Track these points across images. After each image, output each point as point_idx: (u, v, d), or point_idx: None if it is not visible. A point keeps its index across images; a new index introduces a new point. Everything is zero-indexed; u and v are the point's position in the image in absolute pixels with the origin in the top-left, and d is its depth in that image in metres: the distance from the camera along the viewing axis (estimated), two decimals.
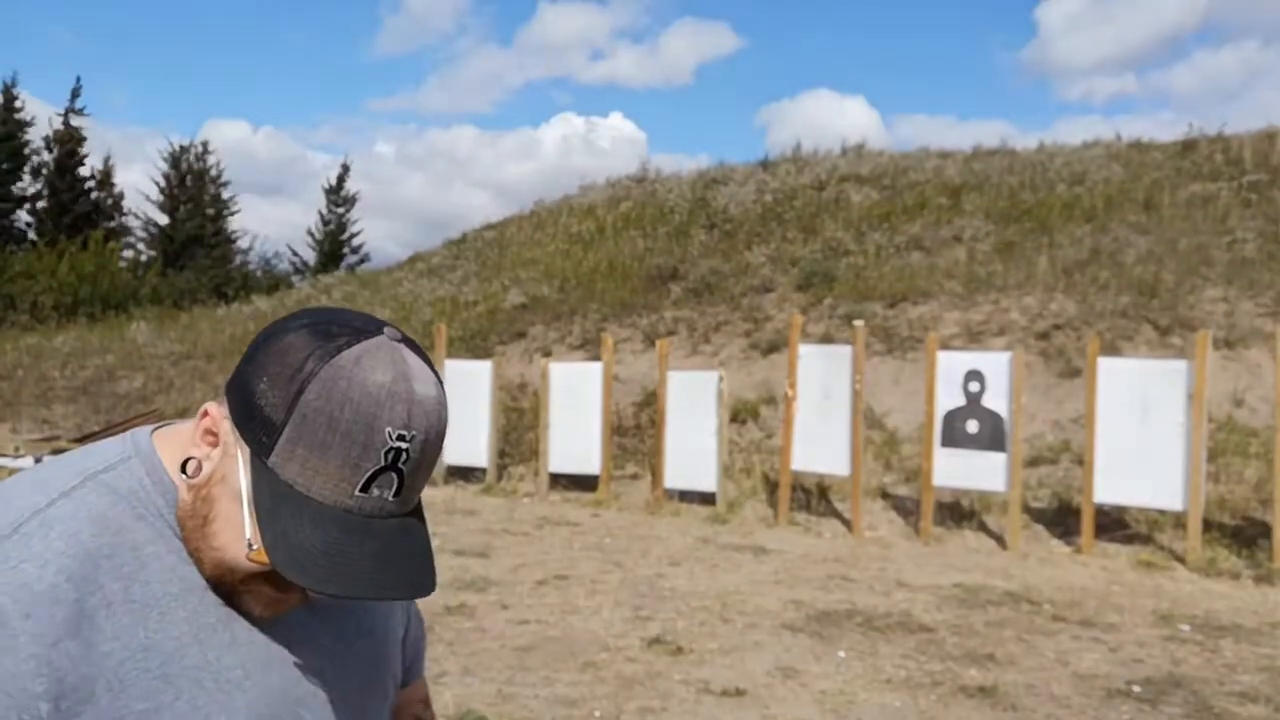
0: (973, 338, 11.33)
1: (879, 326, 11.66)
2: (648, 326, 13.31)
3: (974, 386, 8.36)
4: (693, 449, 9.52)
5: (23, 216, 33.17)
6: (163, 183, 35.02)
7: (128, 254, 34.14)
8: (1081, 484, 8.18)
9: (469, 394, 10.39)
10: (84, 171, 34.13)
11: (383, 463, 0.81)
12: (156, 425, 0.96)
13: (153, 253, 34.50)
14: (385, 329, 0.85)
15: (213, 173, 36.07)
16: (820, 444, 8.88)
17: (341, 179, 37.57)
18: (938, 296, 12.32)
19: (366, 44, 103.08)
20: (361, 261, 34.91)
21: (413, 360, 0.84)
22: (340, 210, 37.23)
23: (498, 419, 10.88)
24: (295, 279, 32.53)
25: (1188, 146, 16.07)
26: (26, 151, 32.55)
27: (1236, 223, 12.88)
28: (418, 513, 0.87)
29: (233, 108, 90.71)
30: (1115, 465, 7.76)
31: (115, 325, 21.56)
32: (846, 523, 8.83)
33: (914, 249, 14.20)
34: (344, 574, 0.80)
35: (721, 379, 9.63)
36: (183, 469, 0.88)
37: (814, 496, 9.43)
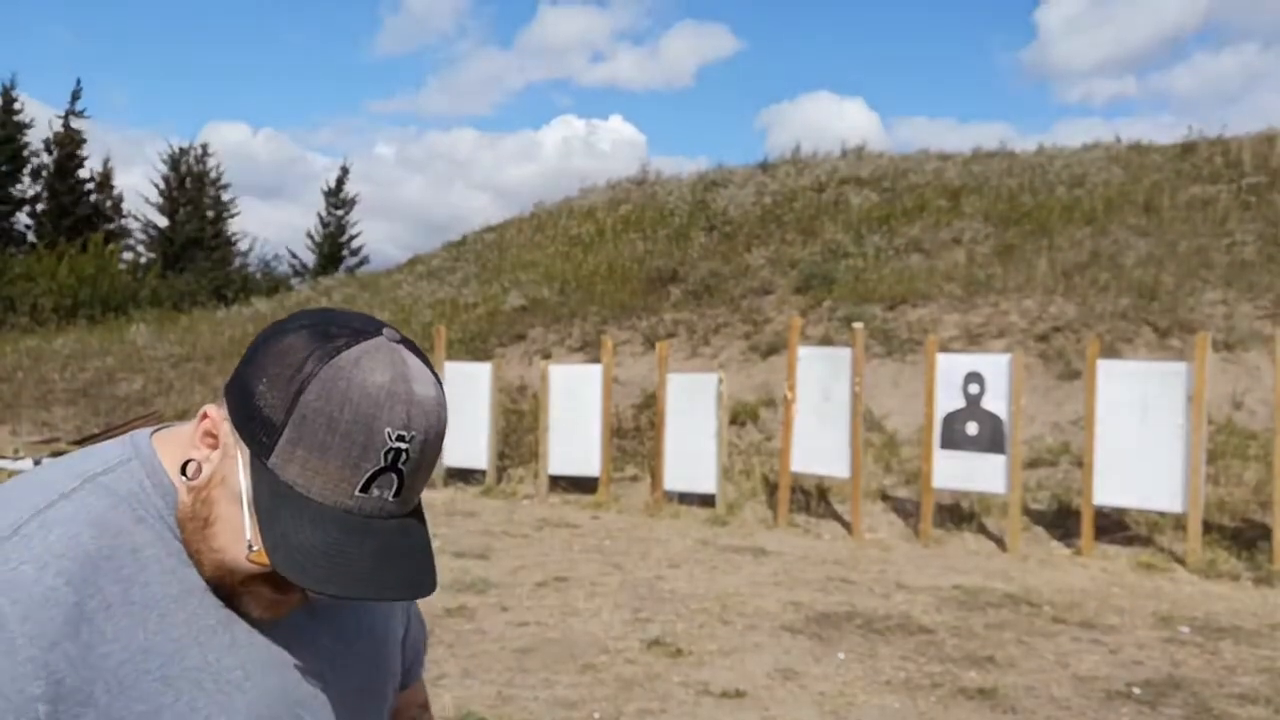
0: (972, 340, 11.33)
1: (878, 329, 11.66)
2: (647, 329, 13.31)
3: (973, 388, 8.36)
4: (692, 451, 9.52)
5: (22, 219, 33.20)
6: (162, 185, 35.07)
7: (127, 256, 34.21)
8: (1081, 486, 8.18)
9: (469, 396, 10.39)
10: (84, 174, 34.18)
11: (382, 463, 0.81)
12: (156, 427, 0.96)
13: (152, 255, 34.53)
14: (384, 330, 0.86)
15: (212, 175, 36.12)
16: (820, 446, 8.88)
17: (341, 181, 37.64)
18: (937, 299, 12.32)
19: (366, 45, 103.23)
20: (361, 264, 34.97)
21: (412, 361, 0.84)
22: (339, 212, 37.27)
23: (497, 421, 10.88)
24: (295, 281, 32.55)
25: (1187, 149, 16.08)
26: (26, 153, 32.56)
27: (1236, 225, 12.88)
28: (418, 513, 0.88)
29: (232, 110, 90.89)
30: (1115, 467, 7.76)
31: (115, 327, 21.56)
32: (846, 525, 8.83)
33: (913, 251, 14.21)
34: (344, 574, 0.81)
35: (721, 381, 9.63)
36: (183, 471, 0.88)
37: (814, 498, 9.43)
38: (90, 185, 34.53)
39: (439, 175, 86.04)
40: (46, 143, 33.05)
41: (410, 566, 0.84)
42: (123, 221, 35.53)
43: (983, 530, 8.55)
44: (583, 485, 10.25)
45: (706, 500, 9.51)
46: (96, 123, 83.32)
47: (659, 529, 8.86)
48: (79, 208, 33.36)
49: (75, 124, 33.69)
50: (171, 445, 0.92)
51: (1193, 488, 7.47)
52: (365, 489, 0.81)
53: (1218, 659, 5.35)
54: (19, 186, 32.76)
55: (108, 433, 12.64)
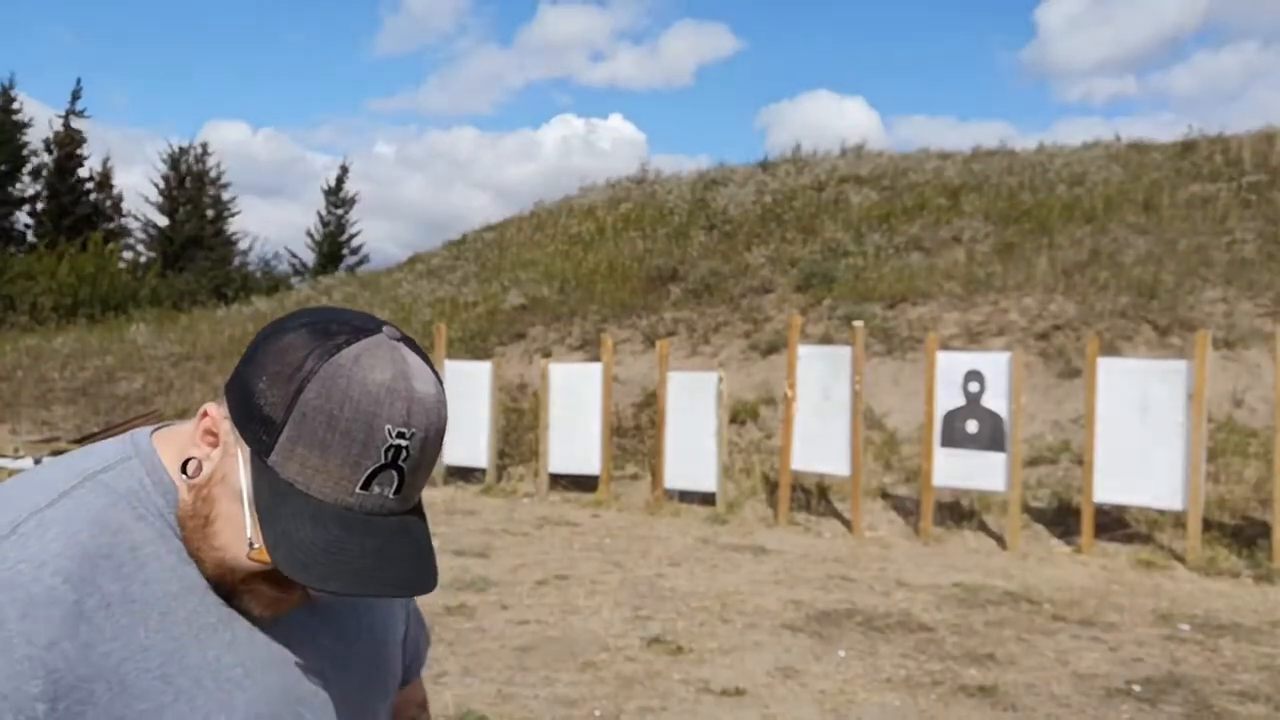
0: (972, 338, 11.33)
1: (878, 327, 11.66)
2: (647, 327, 13.31)
3: (974, 387, 8.36)
4: (692, 449, 9.52)
5: (22, 218, 33.21)
6: (162, 184, 35.07)
7: (127, 255, 34.23)
8: (1081, 484, 8.18)
9: (469, 395, 10.39)
10: (83, 173, 34.18)
11: (383, 460, 0.81)
12: (156, 426, 0.97)
13: (152, 254, 34.52)
14: (384, 328, 0.86)
15: (212, 174, 36.11)
16: (820, 444, 8.88)
17: (340, 180, 37.63)
18: (937, 297, 12.32)
19: (366, 44, 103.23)
20: (361, 262, 34.96)
21: (412, 358, 0.85)
22: (339, 211, 37.26)
23: (497, 420, 10.88)
24: (295, 280, 32.54)
25: (1187, 147, 16.07)
26: (25, 153, 32.55)
27: (1236, 223, 12.88)
28: (418, 510, 0.88)
29: (232, 109, 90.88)
30: (1115, 465, 7.77)
31: (115, 326, 21.57)
32: (846, 523, 8.83)
33: (913, 250, 14.20)
34: (345, 571, 0.81)
35: (721, 380, 9.64)
36: (183, 469, 0.88)
37: (814, 497, 9.43)
38: (90, 184, 34.53)
39: (439, 174, 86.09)
40: (46, 142, 33.07)
41: (411, 564, 0.84)
42: (122, 220, 35.57)
43: (983, 528, 8.55)
44: (583, 484, 10.25)
45: (707, 498, 9.52)
46: (96, 122, 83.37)
47: (659, 527, 8.86)
48: (79, 207, 33.36)
49: (75, 123, 33.72)
50: (172, 444, 0.92)
51: (1193, 485, 7.47)
52: (366, 486, 0.82)
53: (1218, 656, 5.35)
54: (18, 185, 32.76)
55: (108, 431, 12.64)
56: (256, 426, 0.82)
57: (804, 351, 9.25)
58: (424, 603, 5.33)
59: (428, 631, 1.20)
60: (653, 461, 10.15)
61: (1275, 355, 7.70)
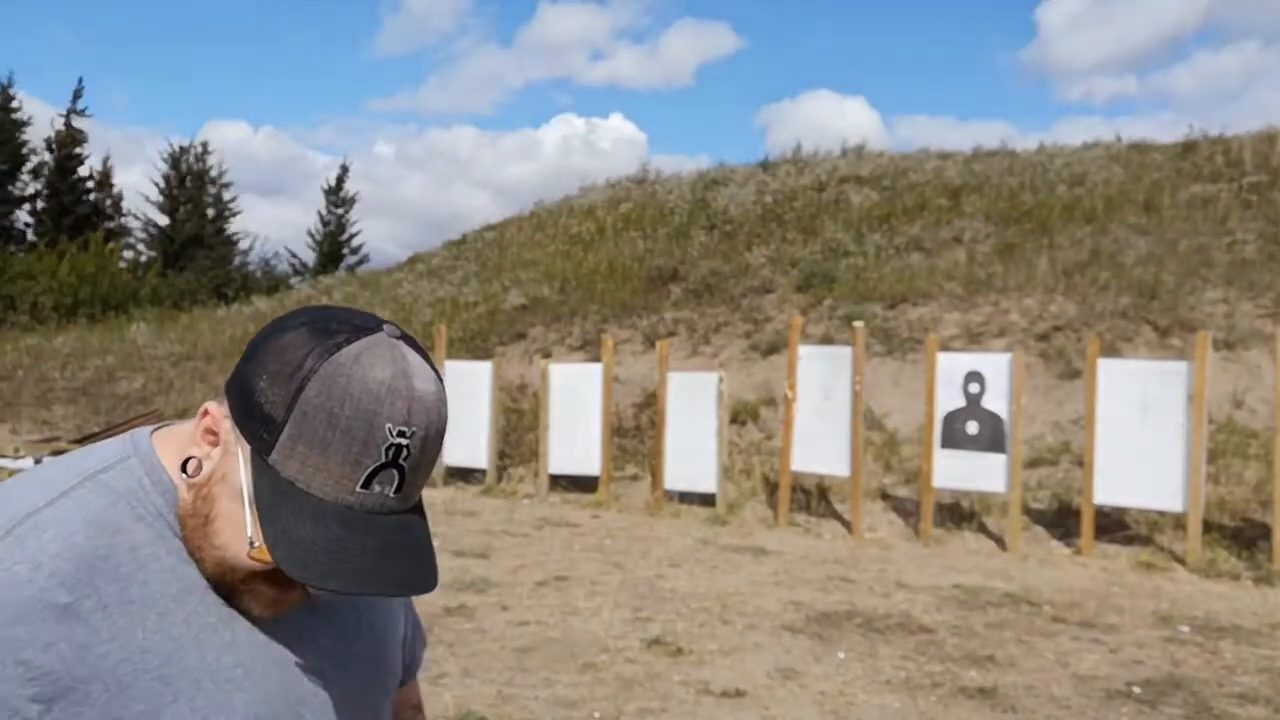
0: (973, 339, 11.33)
1: (879, 328, 11.65)
2: (648, 328, 13.31)
3: (974, 388, 8.36)
4: (693, 450, 9.52)
5: (22, 217, 33.22)
6: (162, 183, 35.04)
7: (127, 255, 34.21)
8: (1081, 485, 8.18)
9: (469, 395, 10.39)
10: (84, 172, 34.19)
11: (383, 459, 0.81)
12: (156, 426, 0.96)
13: (152, 253, 34.51)
14: (384, 326, 0.86)
15: (213, 173, 36.11)
16: (820, 445, 8.87)
17: (340, 179, 37.61)
18: (937, 298, 12.32)
19: (366, 44, 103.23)
20: (361, 262, 34.94)
21: (412, 357, 0.84)
22: (340, 211, 37.25)
23: (497, 420, 10.88)
24: (295, 280, 32.53)
25: (1188, 148, 16.07)
26: (25, 151, 32.56)
27: (1236, 224, 12.88)
28: (419, 509, 0.88)
29: (232, 108, 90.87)
30: (1115, 466, 7.76)
31: (115, 326, 21.58)
32: (846, 524, 8.83)
33: (914, 250, 14.20)
34: (345, 570, 0.80)
35: (721, 380, 9.63)
36: (183, 468, 0.88)
37: (814, 498, 9.43)
38: (90, 184, 34.53)
39: (439, 173, 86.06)
40: (48, 141, 33.07)
41: (411, 562, 0.84)
42: (123, 220, 35.56)
43: (983, 529, 8.55)
44: (583, 484, 10.25)
45: (707, 499, 9.51)
46: (97, 121, 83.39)
47: (659, 528, 8.86)
48: (79, 206, 33.36)
49: (76, 123, 33.70)
50: (172, 443, 0.92)
51: (1193, 487, 7.47)
52: (366, 485, 0.81)
53: (1218, 658, 5.35)
54: (18, 184, 32.76)
55: (108, 431, 12.64)
56: (257, 425, 0.82)
57: (804, 352, 9.24)
58: (424, 603, 5.32)
59: (424, 633, 1.20)
60: (653, 462, 10.15)
61: (1276, 356, 7.70)
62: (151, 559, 0.86)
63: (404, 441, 0.81)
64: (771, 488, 9.58)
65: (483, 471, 10.71)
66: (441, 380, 0.87)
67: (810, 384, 9.04)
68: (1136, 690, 4.78)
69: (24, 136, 32.47)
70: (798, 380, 9.11)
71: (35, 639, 0.79)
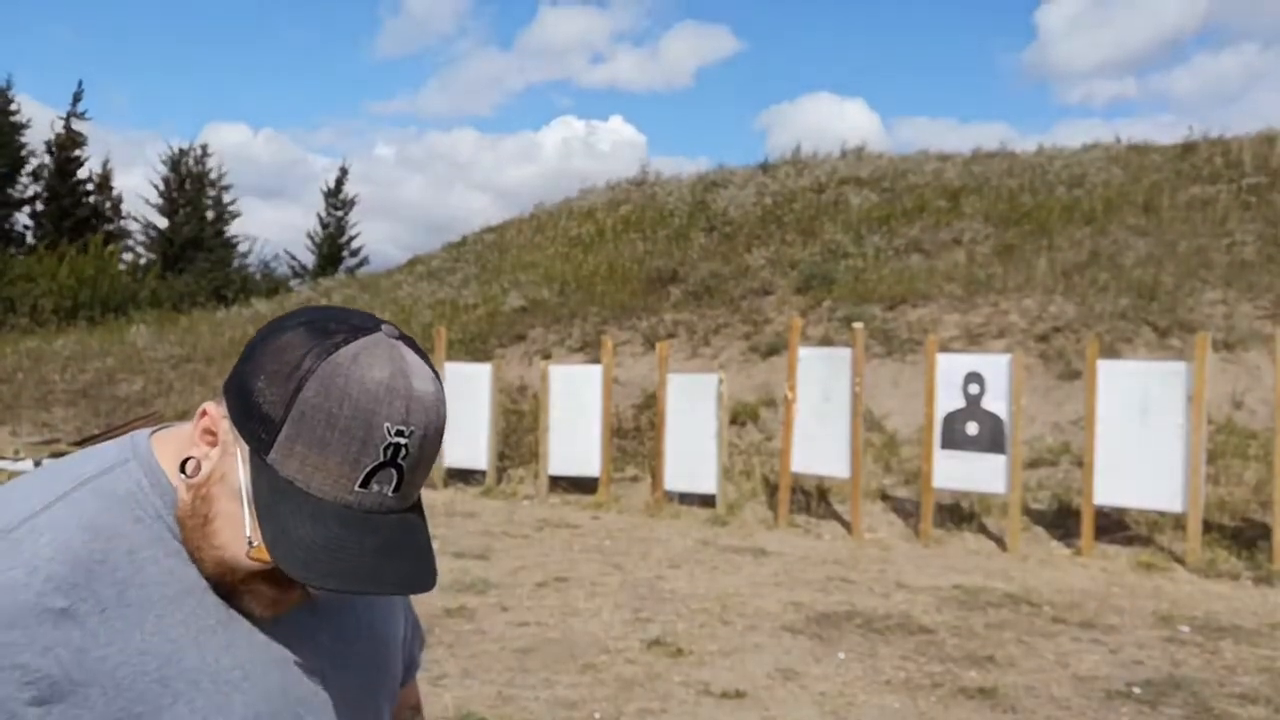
0: (972, 340, 11.33)
1: (878, 329, 11.66)
2: (647, 329, 13.31)
3: (974, 388, 8.36)
4: (693, 451, 9.52)
5: (21, 219, 33.22)
6: (162, 186, 35.04)
7: (127, 257, 34.20)
8: (1081, 486, 8.18)
9: (469, 396, 10.39)
10: (83, 174, 34.19)
11: (382, 458, 0.81)
12: (155, 428, 0.96)
13: (152, 256, 34.50)
14: (383, 326, 0.86)
15: (212, 176, 36.10)
16: (820, 446, 8.88)
17: (340, 182, 37.60)
18: (937, 299, 12.32)
19: (366, 46, 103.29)
20: (361, 264, 34.95)
21: (410, 357, 0.85)
22: (339, 213, 37.24)
23: (497, 421, 10.88)
24: (294, 282, 32.54)
25: (1187, 149, 16.08)
26: (24, 154, 32.56)
27: (1236, 225, 12.88)
28: (417, 508, 0.88)
29: (233, 110, 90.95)
30: (1115, 467, 7.76)
31: (115, 328, 21.57)
32: (846, 525, 8.83)
33: (913, 251, 14.21)
34: (344, 569, 0.80)
35: (721, 381, 9.64)
36: (182, 469, 0.88)
37: (814, 498, 9.42)
38: (90, 186, 34.54)
39: (439, 176, 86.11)
40: (47, 144, 33.08)
41: (410, 561, 0.84)
42: (122, 222, 35.55)
43: (983, 530, 8.55)
44: (583, 485, 10.25)
45: (707, 500, 9.51)
46: (97, 124, 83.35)
47: (659, 529, 8.86)
48: (79, 209, 33.36)
49: (76, 125, 33.71)
50: (171, 445, 0.92)
51: (1193, 487, 7.47)
52: (365, 484, 0.81)
53: (1218, 658, 5.35)
54: (18, 187, 32.76)
55: (108, 433, 12.64)
56: (255, 425, 0.82)
57: (804, 353, 9.25)
58: (424, 605, 5.32)
59: (423, 633, 1.20)
60: (653, 463, 10.15)
61: (1275, 357, 7.70)
62: (149, 561, 0.86)
63: (402, 441, 0.81)
64: (771, 489, 9.58)
65: (483, 473, 10.71)
66: (440, 380, 0.87)
67: (810, 385, 9.05)
68: (1136, 690, 4.78)
69: (23, 139, 32.48)
70: (797, 381, 9.11)
71: (32, 643, 0.79)
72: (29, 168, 32.89)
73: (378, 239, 64.85)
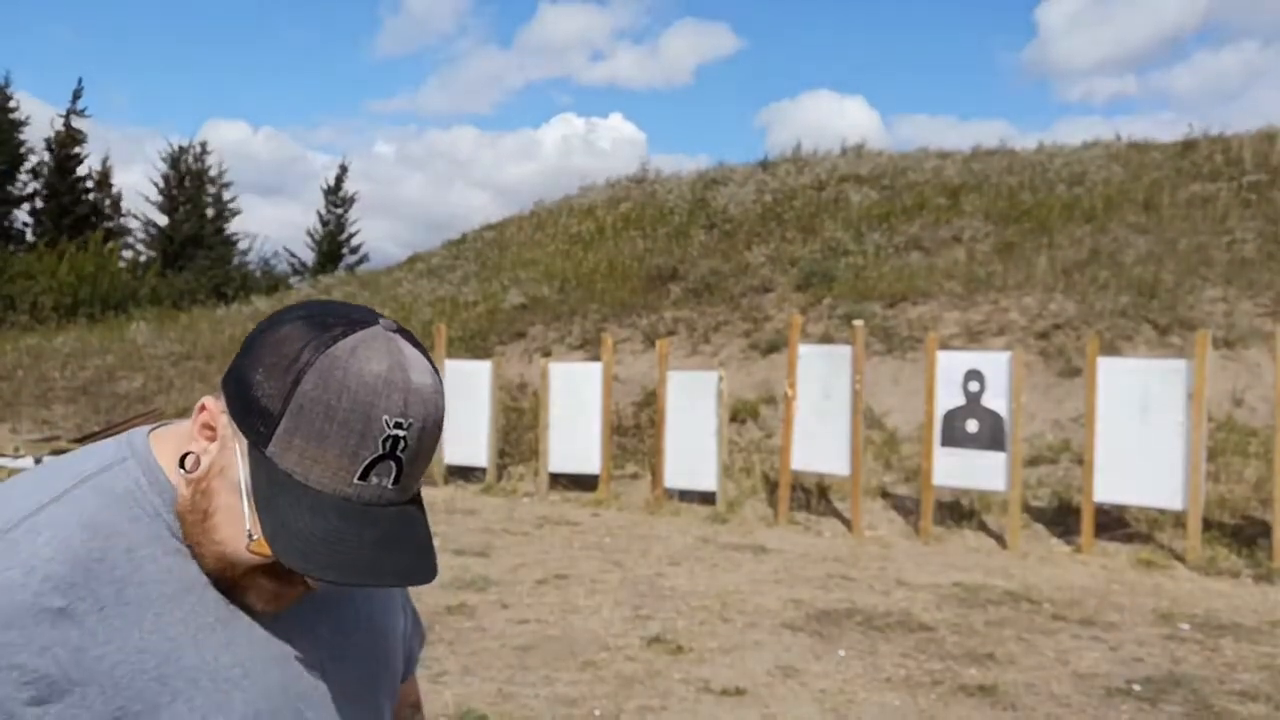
0: (972, 337, 11.33)
1: (878, 326, 11.65)
2: (647, 327, 13.31)
3: (974, 386, 8.36)
4: (693, 449, 9.52)
5: (21, 216, 33.20)
6: (162, 183, 35.01)
7: (127, 254, 34.18)
8: (1081, 483, 8.18)
9: (469, 394, 10.39)
10: (83, 172, 34.17)
11: (381, 451, 0.81)
12: (154, 425, 0.96)
13: (152, 253, 34.47)
14: (381, 319, 0.86)
15: (212, 173, 36.08)
16: (820, 443, 8.87)
17: (340, 179, 37.57)
18: (937, 296, 12.32)
19: (366, 45, 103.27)
20: (360, 262, 34.92)
21: (408, 350, 0.84)
22: (339, 211, 37.22)
23: (497, 419, 10.88)
24: (294, 279, 32.52)
25: (1188, 147, 16.07)
26: (23, 151, 32.54)
27: (1236, 223, 12.88)
28: (417, 501, 0.88)
29: (232, 108, 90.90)
30: (1115, 464, 7.76)
31: (115, 326, 21.57)
32: (846, 522, 8.83)
33: (913, 249, 14.20)
34: (344, 561, 0.80)
35: (721, 379, 9.63)
36: (181, 464, 0.88)
37: (814, 496, 9.42)
38: (90, 184, 34.52)
39: (439, 173, 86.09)
40: (47, 141, 33.06)
41: (410, 553, 0.84)
42: (122, 220, 35.53)
43: (983, 527, 8.55)
44: (583, 483, 10.25)
45: (707, 498, 9.51)
46: (96, 121, 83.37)
47: (659, 526, 8.86)
48: (78, 206, 33.33)
49: (76, 123, 33.67)
50: (169, 442, 0.92)
51: (1193, 485, 7.47)
52: (364, 477, 0.81)
53: (1218, 656, 5.35)
54: (17, 184, 32.74)
55: (108, 430, 12.64)
56: (254, 418, 0.82)
57: (804, 351, 9.24)
58: (424, 602, 5.31)
59: (423, 630, 1.20)
60: (653, 461, 10.15)
61: (1275, 355, 7.70)
62: (148, 560, 0.86)
63: (401, 433, 0.81)
64: (771, 486, 9.58)
65: (483, 470, 10.71)
66: (438, 373, 0.87)
67: (810, 383, 9.04)
68: (1136, 688, 4.78)
69: (23, 136, 32.46)
70: (797, 379, 9.11)
71: (30, 643, 0.79)
72: (28, 165, 32.87)
73: (378, 236, 64.90)
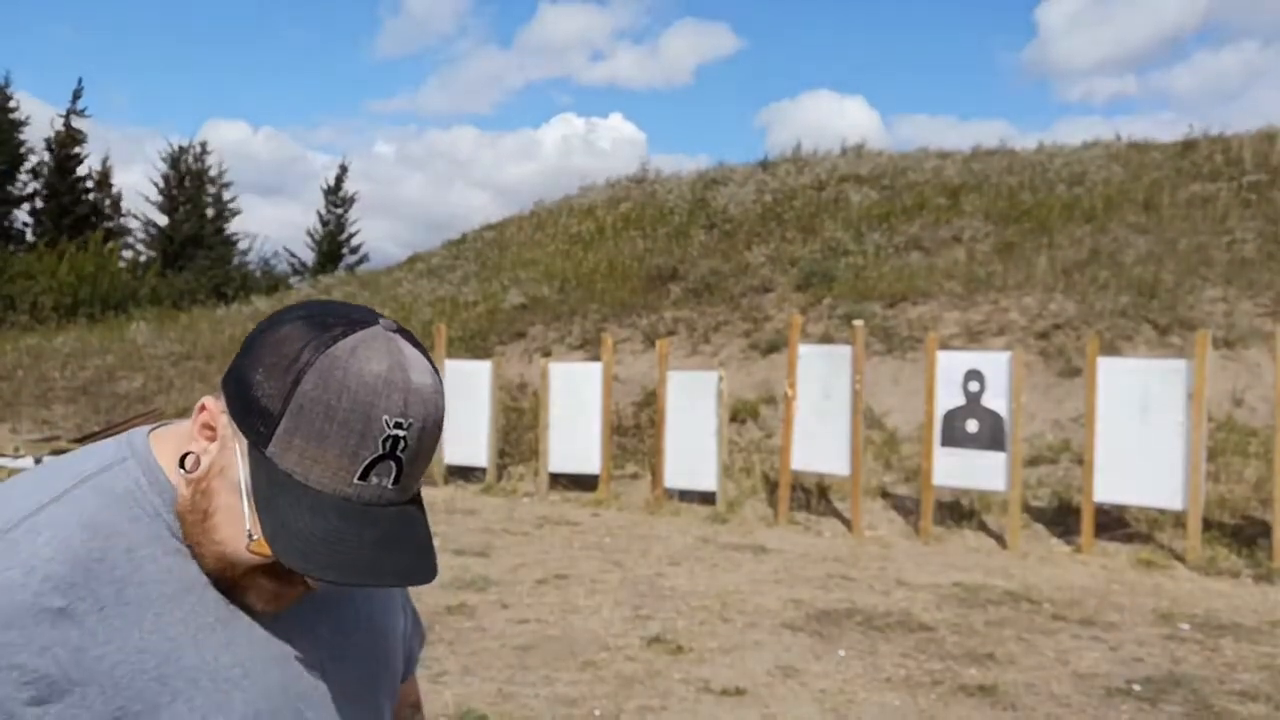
0: (972, 337, 11.33)
1: (878, 326, 11.65)
2: (647, 326, 13.31)
3: (974, 386, 8.36)
4: (693, 448, 9.52)
5: (20, 216, 33.20)
6: (162, 183, 35.01)
7: (127, 254, 34.17)
8: (1081, 483, 8.18)
9: (469, 394, 10.39)
10: (83, 171, 34.17)
11: (381, 451, 0.81)
12: (154, 425, 0.96)
13: (152, 253, 34.47)
14: (380, 319, 0.86)
15: (212, 173, 36.08)
16: (820, 443, 8.87)
17: (340, 179, 37.57)
18: (937, 296, 12.31)
19: (366, 45, 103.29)
20: (360, 261, 34.92)
21: (408, 350, 0.84)
22: (339, 211, 37.22)
23: (497, 419, 10.88)
24: (294, 279, 32.52)
25: (1187, 147, 16.07)
26: (23, 151, 32.54)
27: (1236, 223, 12.88)
28: (417, 500, 0.88)
29: (232, 108, 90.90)
30: (1115, 464, 7.76)
31: (115, 326, 21.57)
32: (846, 522, 8.83)
33: (913, 249, 14.20)
34: (344, 561, 0.80)
35: (721, 379, 9.63)
36: (181, 464, 0.88)
37: (814, 496, 9.42)
38: (89, 184, 34.52)
39: (439, 173, 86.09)
40: (47, 141, 33.06)
41: (410, 553, 0.84)
42: (122, 220, 35.53)
43: (983, 527, 8.55)
44: (583, 483, 10.25)
45: (707, 498, 9.51)
46: (96, 121, 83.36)
47: (659, 526, 8.86)
48: (78, 206, 33.33)
49: (76, 123, 33.67)
50: (169, 442, 0.92)
51: (1193, 485, 7.47)
52: (364, 476, 0.81)
53: (1218, 656, 5.35)
54: (17, 184, 32.74)
55: (108, 430, 12.64)
56: (254, 418, 0.82)
57: (804, 351, 9.24)
58: (424, 602, 5.31)
59: (423, 631, 1.20)
60: (653, 461, 10.14)
61: (1275, 354, 7.70)
62: (148, 560, 0.86)
63: (401, 433, 0.81)
64: (771, 486, 9.58)
65: (483, 470, 10.71)
66: (438, 372, 0.87)
67: (810, 382, 9.04)
68: (1136, 688, 4.78)
69: (23, 136, 32.46)
70: (797, 379, 9.11)
71: (30, 643, 0.79)
72: (28, 165, 32.87)
73: (378, 236, 64.92)
